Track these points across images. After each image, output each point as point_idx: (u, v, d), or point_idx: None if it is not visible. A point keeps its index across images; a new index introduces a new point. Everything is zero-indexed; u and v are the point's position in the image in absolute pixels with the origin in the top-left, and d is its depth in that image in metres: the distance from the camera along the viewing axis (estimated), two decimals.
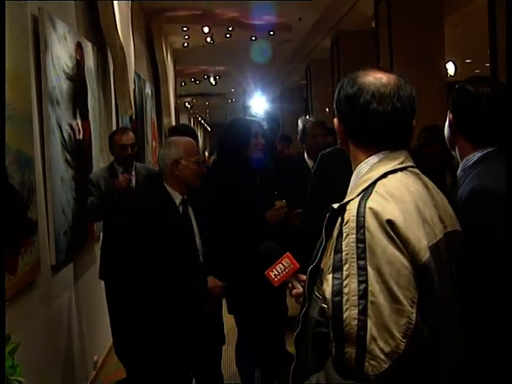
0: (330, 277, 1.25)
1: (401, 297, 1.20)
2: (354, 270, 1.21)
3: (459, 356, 1.37)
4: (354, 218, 1.25)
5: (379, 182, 1.33)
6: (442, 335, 1.29)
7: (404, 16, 6.97)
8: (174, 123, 9.31)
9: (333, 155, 3.32)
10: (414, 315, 1.20)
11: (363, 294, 1.19)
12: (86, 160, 4.18)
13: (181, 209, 2.85)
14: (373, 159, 1.40)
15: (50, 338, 3.36)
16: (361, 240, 1.22)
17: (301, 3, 7.78)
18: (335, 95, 1.46)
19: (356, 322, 1.19)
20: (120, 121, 5.51)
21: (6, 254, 2.48)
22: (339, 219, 1.30)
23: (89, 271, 4.25)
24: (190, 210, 2.90)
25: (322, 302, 1.31)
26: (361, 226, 1.23)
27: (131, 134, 4.07)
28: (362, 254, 1.22)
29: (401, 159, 1.40)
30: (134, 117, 6.04)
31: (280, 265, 1.72)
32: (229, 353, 3.74)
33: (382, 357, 1.17)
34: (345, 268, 1.22)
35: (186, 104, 20.14)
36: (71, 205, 3.74)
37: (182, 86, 14.66)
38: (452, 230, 1.44)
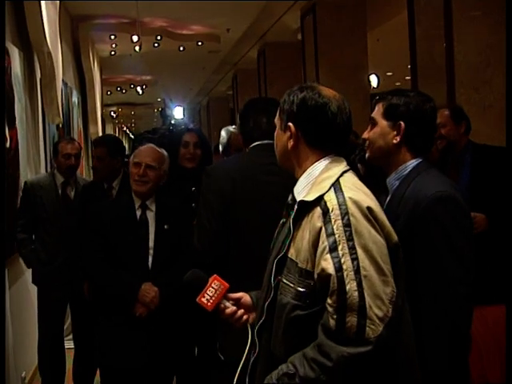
0: (328, 256, 1.41)
1: (385, 270, 1.42)
2: (346, 250, 1.40)
3: (408, 321, 1.57)
4: (337, 207, 1.45)
5: (341, 179, 1.53)
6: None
7: (329, 29, 7.21)
8: (100, 132, 9.14)
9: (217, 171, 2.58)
10: (395, 285, 1.42)
11: (357, 269, 1.39)
12: (13, 169, 4.05)
13: (139, 212, 2.93)
14: (324, 161, 1.59)
15: None
16: (346, 224, 1.42)
17: (229, 14, 7.88)
18: (296, 102, 1.60)
19: (357, 293, 1.37)
20: (47, 129, 5.37)
21: None
22: (318, 210, 1.47)
23: (17, 283, 4.11)
24: (151, 215, 2.94)
25: (298, 286, 1.47)
26: (344, 212, 1.44)
27: (77, 144, 4.03)
28: (350, 236, 1.41)
29: (345, 162, 1.61)
30: (61, 125, 5.90)
31: (210, 288, 1.72)
32: None
33: (378, 321, 1.37)
34: (339, 248, 1.41)
35: (112, 113, 19.80)
36: None
37: (107, 94, 14.41)
38: None
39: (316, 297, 1.43)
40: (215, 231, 2.35)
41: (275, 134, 1.69)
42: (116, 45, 9.31)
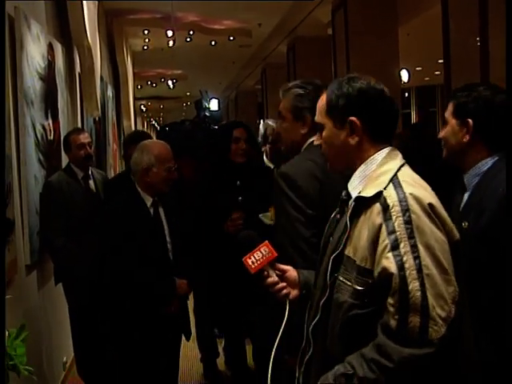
0: (390, 255, 1.38)
1: (448, 268, 1.38)
2: (408, 248, 1.37)
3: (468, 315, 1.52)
4: (398, 203, 1.41)
5: (400, 173, 1.49)
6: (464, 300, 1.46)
7: (360, 24, 7.20)
8: (133, 126, 9.30)
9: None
10: (456, 284, 1.38)
11: (419, 268, 1.35)
12: (56, 160, 4.19)
13: (152, 210, 2.94)
14: (381, 154, 1.54)
15: None
16: (407, 221, 1.39)
17: (261, 9, 7.94)
18: (353, 94, 1.53)
19: (419, 292, 1.34)
20: (85, 122, 5.51)
21: None
22: (377, 206, 1.43)
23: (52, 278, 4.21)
24: (162, 211, 2.98)
25: (356, 284, 1.43)
26: (405, 209, 1.40)
27: (87, 133, 4.03)
28: (411, 233, 1.38)
29: (400, 155, 1.56)
30: (97, 118, 6.05)
31: (258, 252, 1.71)
32: None
33: (441, 322, 1.33)
34: (401, 246, 1.37)
35: (142, 107, 20.02)
36: None
37: (138, 88, 14.59)
38: None
39: (374, 295, 1.39)
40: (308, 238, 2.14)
41: (324, 135, 1.59)
42: (149, 39, 9.44)
